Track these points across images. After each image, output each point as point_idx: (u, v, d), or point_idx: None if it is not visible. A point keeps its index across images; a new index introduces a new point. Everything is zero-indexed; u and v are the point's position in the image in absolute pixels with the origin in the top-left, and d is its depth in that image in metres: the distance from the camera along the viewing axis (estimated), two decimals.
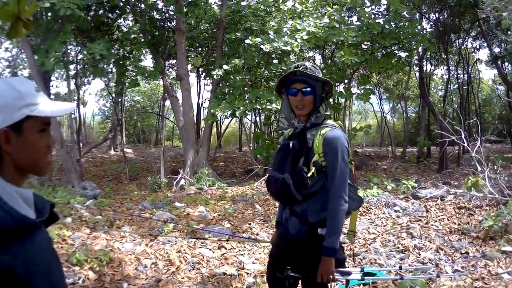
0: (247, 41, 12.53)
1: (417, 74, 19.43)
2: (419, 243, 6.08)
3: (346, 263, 3.29)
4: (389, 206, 8.23)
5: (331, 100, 14.62)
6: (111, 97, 24.41)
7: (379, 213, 7.91)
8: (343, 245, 3.30)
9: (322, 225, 2.88)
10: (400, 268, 3.83)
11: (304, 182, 2.86)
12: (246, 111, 12.97)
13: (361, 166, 16.01)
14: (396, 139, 25.64)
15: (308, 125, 2.95)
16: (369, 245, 6.06)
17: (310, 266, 2.97)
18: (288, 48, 12.11)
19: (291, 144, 2.96)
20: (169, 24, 16.48)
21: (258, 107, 12.49)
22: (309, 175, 2.85)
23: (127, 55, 15.20)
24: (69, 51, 14.60)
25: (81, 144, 16.90)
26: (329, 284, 3.15)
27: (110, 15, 15.65)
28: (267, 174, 3.19)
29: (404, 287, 3.80)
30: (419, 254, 5.71)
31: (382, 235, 6.56)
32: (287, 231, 3.15)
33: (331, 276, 2.89)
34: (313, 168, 2.85)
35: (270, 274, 3.48)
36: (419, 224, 7.08)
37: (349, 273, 3.24)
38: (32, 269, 1.16)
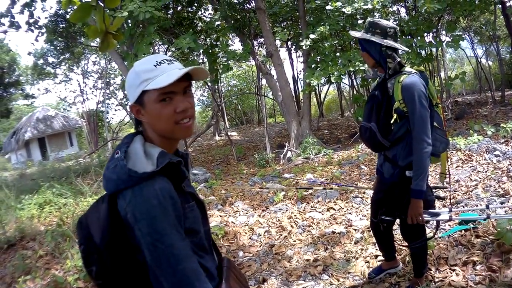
0: (328, 7, 12.45)
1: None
2: None
3: (435, 205, 3.30)
4: (489, 151, 8.01)
5: (423, 51, 14.20)
6: (207, 86, 25.16)
7: (480, 160, 7.66)
8: (432, 187, 3.31)
9: (410, 168, 2.97)
10: (487, 207, 3.79)
11: (389, 128, 2.99)
12: (341, 75, 12.91)
13: (462, 114, 15.50)
14: (495, 83, 24.12)
15: (387, 76, 3.06)
16: (471, 192, 5.89)
17: (402, 209, 3.09)
18: (369, 6, 11.89)
19: (376, 94, 3.09)
20: (248, 5, 16.69)
21: (351, 69, 12.40)
22: (391, 121, 2.95)
23: (215, 43, 15.60)
24: (157, 50, 15.23)
25: None
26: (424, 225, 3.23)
27: (189, 9, 16.15)
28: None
29: (503, 228, 3.68)
30: None
31: (483, 181, 6.33)
32: (383, 176, 3.29)
33: (420, 218, 2.97)
34: (395, 115, 2.94)
35: (372, 220, 3.63)
36: None
37: (438, 214, 3.27)
38: (138, 216, 1.35)
